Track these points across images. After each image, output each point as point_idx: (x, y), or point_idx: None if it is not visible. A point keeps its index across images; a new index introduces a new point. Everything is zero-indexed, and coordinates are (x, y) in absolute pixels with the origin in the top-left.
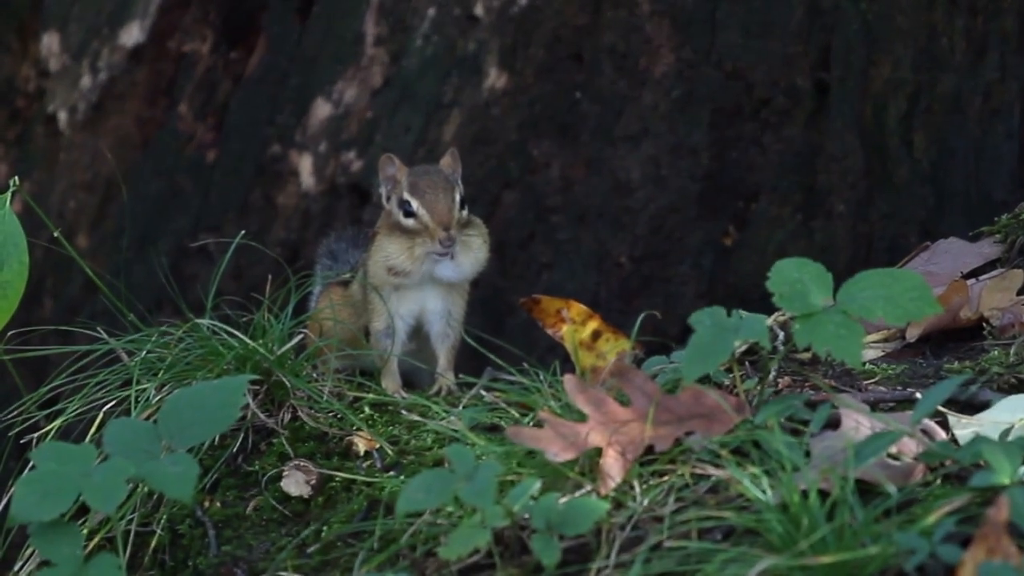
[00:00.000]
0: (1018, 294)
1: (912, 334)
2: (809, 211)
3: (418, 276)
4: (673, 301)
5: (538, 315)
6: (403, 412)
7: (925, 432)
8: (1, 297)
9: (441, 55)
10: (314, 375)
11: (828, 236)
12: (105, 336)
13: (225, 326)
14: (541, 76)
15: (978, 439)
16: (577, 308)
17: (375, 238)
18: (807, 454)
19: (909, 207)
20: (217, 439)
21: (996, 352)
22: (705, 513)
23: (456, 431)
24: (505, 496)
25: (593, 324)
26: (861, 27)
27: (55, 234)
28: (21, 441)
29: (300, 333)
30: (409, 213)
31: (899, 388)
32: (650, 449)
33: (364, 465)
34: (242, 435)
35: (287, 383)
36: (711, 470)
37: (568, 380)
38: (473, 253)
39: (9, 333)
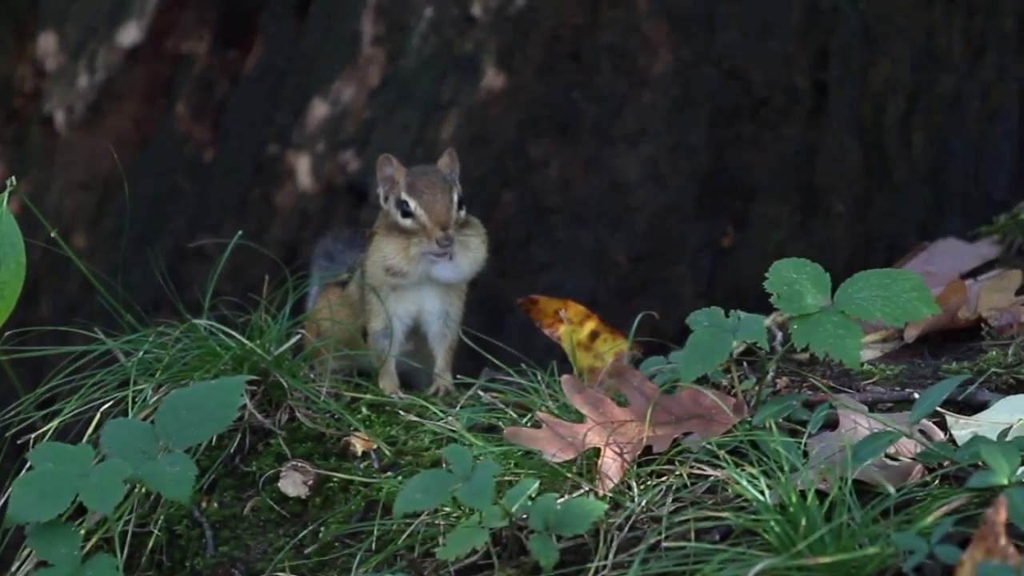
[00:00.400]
0: (1016, 294)
1: (910, 334)
2: (808, 211)
3: (416, 276)
4: (671, 301)
5: (536, 315)
6: (401, 412)
7: (923, 432)
8: None
9: (439, 55)
10: (311, 375)
11: (826, 236)
12: (102, 336)
13: (222, 326)
14: (539, 76)
15: (976, 439)
16: (575, 308)
17: (373, 238)
18: (805, 454)
19: (908, 207)
20: (214, 439)
21: (994, 352)
22: (703, 513)
23: (454, 431)
24: (503, 497)
25: (591, 324)
26: (860, 27)
27: (52, 234)
28: (18, 441)
29: (297, 333)
30: (407, 213)
31: (897, 388)
32: (648, 449)
33: (362, 465)
34: (239, 435)
35: (284, 383)
36: (709, 470)
37: (566, 380)
38: (471, 253)
39: (6, 333)
